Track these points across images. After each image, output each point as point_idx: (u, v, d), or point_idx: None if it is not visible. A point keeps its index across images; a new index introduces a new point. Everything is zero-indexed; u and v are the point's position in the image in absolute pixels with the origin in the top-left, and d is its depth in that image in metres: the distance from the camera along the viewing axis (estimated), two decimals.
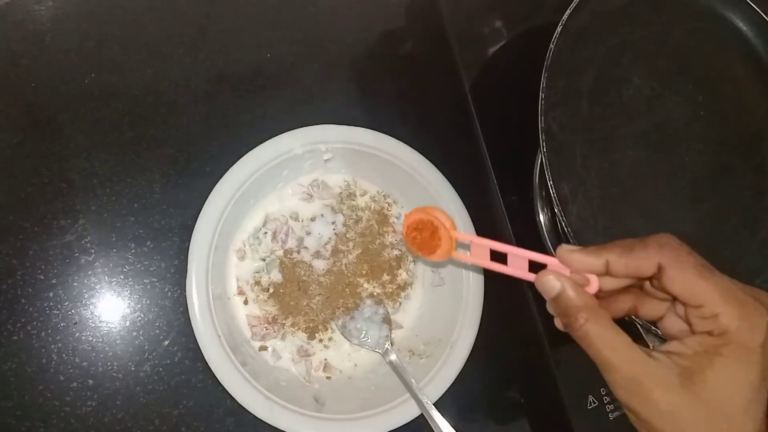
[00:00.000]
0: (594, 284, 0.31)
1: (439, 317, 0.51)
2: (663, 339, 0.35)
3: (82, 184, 0.49)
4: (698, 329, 0.29)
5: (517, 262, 0.34)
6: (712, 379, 0.27)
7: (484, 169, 0.51)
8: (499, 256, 0.35)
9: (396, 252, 0.53)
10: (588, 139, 0.45)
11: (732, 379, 0.27)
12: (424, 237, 0.38)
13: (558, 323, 0.31)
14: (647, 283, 0.32)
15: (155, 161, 0.51)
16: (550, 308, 0.32)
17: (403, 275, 0.53)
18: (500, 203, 0.50)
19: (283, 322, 0.49)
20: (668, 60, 0.49)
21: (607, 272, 0.30)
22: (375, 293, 0.52)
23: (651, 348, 0.32)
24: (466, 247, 0.38)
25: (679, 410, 0.27)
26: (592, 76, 0.46)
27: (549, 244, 0.51)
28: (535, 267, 0.33)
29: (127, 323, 0.48)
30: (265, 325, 0.49)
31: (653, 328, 0.41)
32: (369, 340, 0.50)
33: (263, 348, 0.49)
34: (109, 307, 0.48)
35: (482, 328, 0.50)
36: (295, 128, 0.50)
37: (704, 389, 0.27)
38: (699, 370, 0.27)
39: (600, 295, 0.31)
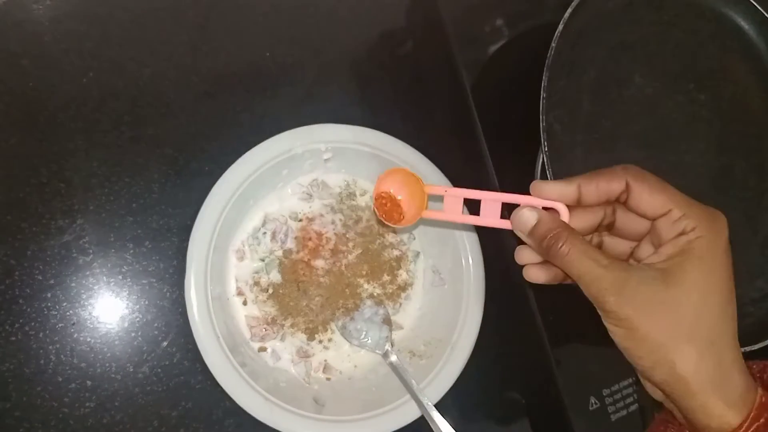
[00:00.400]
0: (564, 215, 0.32)
1: (439, 318, 0.51)
2: None
3: (81, 184, 0.49)
4: (671, 235, 0.30)
5: (491, 209, 0.34)
6: (690, 270, 0.28)
7: (484, 169, 0.50)
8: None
9: (396, 252, 0.53)
10: (589, 138, 0.45)
11: (709, 272, 0.29)
12: (391, 205, 0.37)
13: (530, 272, 0.33)
14: (618, 220, 0.33)
15: (154, 161, 0.51)
16: (522, 253, 0.33)
17: (403, 276, 0.53)
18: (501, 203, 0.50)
19: (283, 322, 0.49)
20: (669, 59, 0.49)
21: (579, 199, 0.31)
22: (375, 294, 0.52)
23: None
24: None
25: (664, 307, 0.28)
26: (593, 76, 0.46)
27: None
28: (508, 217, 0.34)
29: (126, 324, 0.48)
30: (265, 325, 0.49)
31: None
32: (369, 341, 0.50)
33: (262, 349, 0.49)
34: (108, 308, 0.48)
35: (483, 329, 0.50)
36: (295, 128, 0.50)
37: (685, 282, 0.28)
38: (677, 267, 0.29)
39: None
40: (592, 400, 0.48)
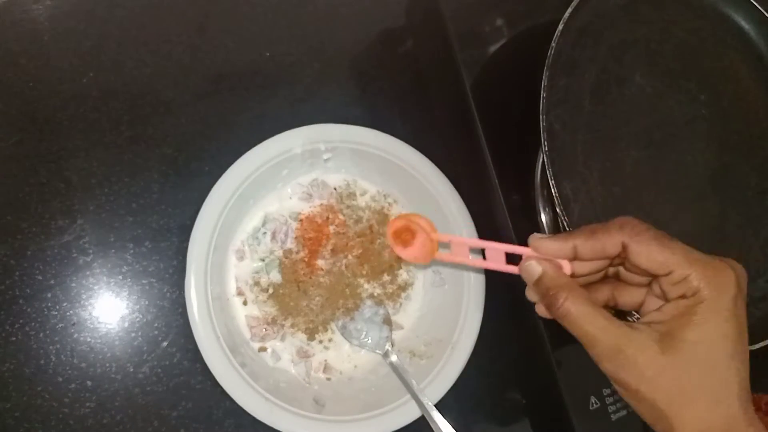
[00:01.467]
0: (567, 268, 0.33)
1: (439, 318, 0.51)
2: None
3: (81, 184, 0.49)
4: (672, 296, 0.30)
5: (495, 255, 0.36)
6: (690, 338, 0.28)
7: (485, 169, 0.50)
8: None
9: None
10: (590, 138, 0.44)
11: (709, 336, 0.28)
12: (405, 241, 0.39)
13: (540, 309, 0.33)
14: (623, 271, 0.33)
15: (154, 161, 0.51)
16: (530, 294, 0.34)
17: (403, 276, 0.53)
18: (502, 203, 0.50)
19: (283, 322, 0.49)
20: (670, 58, 0.48)
21: (575, 257, 0.32)
22: (375, 294, 0.52)
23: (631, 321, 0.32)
24: (448, 247, 0.39)
25: (663, 373, 0.28)
26: (594, 75, 0.45)
27: None
28: (513, 260, 0.35)
29: (126, 324, 0.48)
30: (265, 325, 0.49)
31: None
32: (369, 341, 0.50)
33: (263, 349, 0.49)
34: (108, 308, 0.48)
35: (483, 329, 0.50)
36: (295, 127, 0.50)
37: (684, 349, 0.28)
38: (677, 332, 0.28)
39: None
40: (593, 399, 0.48)
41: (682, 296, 0.29)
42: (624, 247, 0.30)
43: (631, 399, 0.29)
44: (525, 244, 0.34)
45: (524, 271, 0.33)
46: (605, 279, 0.34)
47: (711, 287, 0.28)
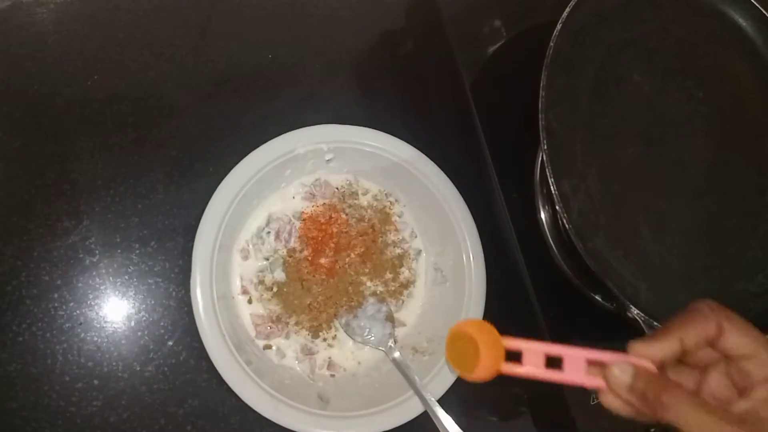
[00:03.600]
0: (651, 366, 0.31)
1: (441, 315, 0.52)
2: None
3: (86, 185, 0.50)
4: (759, 377, 0.29)
5: (574, 364, 0.32)
6: None
7: (485, 167, 0.51)
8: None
9: (398, 250, 0.54)
10: (588, 136, 0.45)
11: None
12: (463, 350, 0.34)
13: (608, 401, 0.31)
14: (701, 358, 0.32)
15: (158, 162, 0.51)
16: (611, 400, 0.31)
17: (405, 273, 0.53)
18: (502, 201, 0.50)
19: (287, 320, 0.50)
20: (668, 57, 0.49)
21: (684, 349, 0.31)
22: (378, 291, 0.52)
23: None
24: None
25: None
26: (592, 74, 0.46)
27: (551, 241, 0.51)
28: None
29: (132, 323, 0.48)
30: (269, 324, 0.49)
31: (655, 323, 0.41)
32: (372, 338, 0.50)
33: (267, 347, 0.49)
34: (114, 308, 0.48)
35: None
36: (297, 128, 0.51)
37: None
38: None
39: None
40: (593, 395, 0.49)
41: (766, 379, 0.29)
42: (719, 328, 0.30)
43: None
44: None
45: (613, 379, 0.31)
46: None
47: None
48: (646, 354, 0.31)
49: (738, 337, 0.30)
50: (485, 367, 0.33)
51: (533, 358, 0.33)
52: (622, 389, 0.31)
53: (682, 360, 0.32)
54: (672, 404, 0.29)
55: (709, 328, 0.30)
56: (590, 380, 0.32)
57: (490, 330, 0.34)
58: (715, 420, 0.28)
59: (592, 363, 0.32)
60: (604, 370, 0.31)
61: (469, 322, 0.35)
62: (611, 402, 0.32)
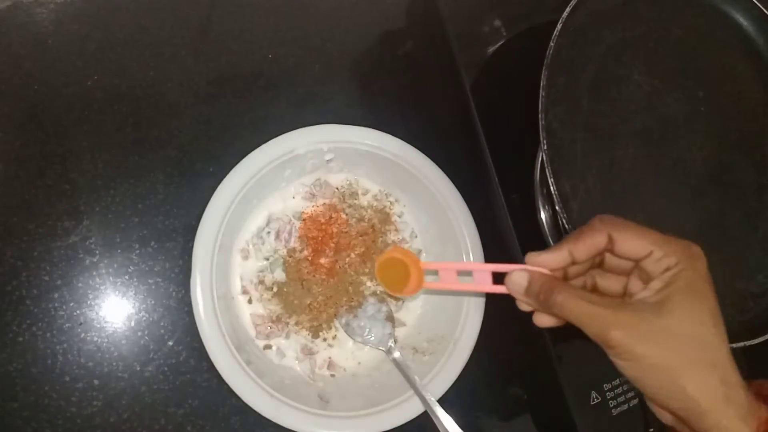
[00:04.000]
0: (546, 272, 0.35)
1: (441, 315, 0.52)
2: None
3: (86, 185, 0.50)
4: (656, 272, 0.32)
5: (482, 277, 0.38)
6: (679, 302, 0.31)
7: (485, 167, 0.51)
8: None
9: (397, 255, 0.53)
10: (588, 136, 0.45)
11: (695, 299, 0.31)
12: (394, 275, 0.41)
13: (538, 319, 0.35)
14: (607, 260, 0.36)
15: (158, 162, 0.51)
16: (522, 305, 0.36)
17: None
18: (502, 201, 0.50)
19: (287, 320, 0.50)
20: (668, 56, 0.49)
21: (573, 261, 0.34)
22: (378, 291, 0.52)
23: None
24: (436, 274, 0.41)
25: (661, 336, 0.30)
26: (592, 74, 0.46)
27: (551, 241, 0.51)
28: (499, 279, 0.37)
29: (132, 323, 0.48)
30: (269, 323, 0.49)
31: None
32: (372, 338, 0.50)
33: (268, 347, 0.49)
34: (114, 308, 0.48)
35: (485, 325, 0.50)
36: (297, 128, 0.51)
37: (675, 311, 0.30)
38: (667, 299, 0.31)
39: (567, 278, 0.36)
40: (594, 394, 0.49)
41: (666, 269, 0.32)
42: (610, 239, 0.33)
43: (637, 370, 0.31)
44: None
45: (511, 284, 0.35)
46: (588, 270, 0.37)
47: (687, 258, 0.32)
48: (536, 262, 0.34)
49: (629, 243, 0.33)
50: (414, 284, 0.41)
51: (448, 275, 0.40)
52: (519, 292, 0.35)
53: (608, 269, 0.36)
54: (559, 299, 0.32)
55: (598, 240, 0.33)
56: (495, 288, 0.37)
57: (414, 256, 0.42)
58: (592, 306, 0.31)
59: (497, 274, 0.37)
60: (507, 278, 0.36)
61: (398, 250, 0.42)
62: (520, 305, 0.36)
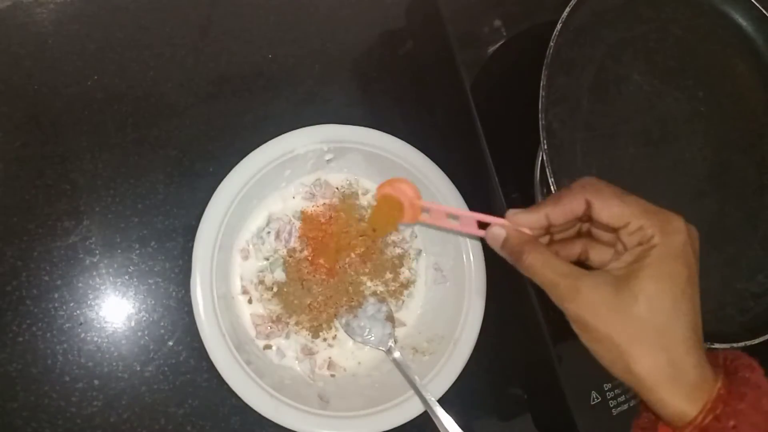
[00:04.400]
0: (527, 231, 0.36)
1: (441, 314, 0.52)
2: None
3: (86, 185, 0.50)
4: (630, 245, 0.32)
5: (468, 222, 0.39)
6: (640, 279, 0.30)
7: (485, 167, 0.51)
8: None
9: (399, 250, 0.54)
10: (588, 136, 0.45)
11: (658, 277, 0.30)
12: (391, 208, 0.42)
13: (518, 264, 0.35)
14: (594, 229, 0.36)
15: (158, 162, 0.51)
16: (501, 253, 0.37)
17: (405, 273, 0.53)
18: (502, 201, 0.50)
19: (287, 320, 0.50)
20: (668, 57, 0.49)
21: (549, 223, 0.34)
22: (378, 291, 0.52)
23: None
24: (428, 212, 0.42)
25: (616, 312, 0.30)
26: (592, 74, 0.46)
27: None
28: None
29: (132, 323, 0.48)
30: (270, 323, 0.49)
31: None
32: (372, 338, 0.50)
33: (268, 347, 0.49)
34: (114, 308, 0.48)
35: (485, 325, 0.50)
36: (297, 128, 0.51)
37: (634, 290, 0.30)
38: (630, 275, 0.31)
39: (554, 240, 0.37)
40: (594, 394, 0.49)
41: (639, 243, 0.31)
42: (588, 205, 0.33)
43: (590, 341, 0.31)
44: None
45: (490, 236, 0.36)
46: (579, 236, 0.37)
47: (662, 233, 0.31)
48: (514, 221, 0.35)
49: (606, 211, 0.32)
50: (409, 216, 0.42)
51: (438, 215, 0.42)
52: (497, 246, 0.36)
53: (596, 239, 0.36)
54: (527, 262, 0.33)
55: (576, 205, 0.33)
56: (478, 232, 0.39)
57: (412, 190, 0.42)
58: (554, 275, 0.32)
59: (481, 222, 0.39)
60: (487, 229, 0.37)
61: (392, 185, 0.42)
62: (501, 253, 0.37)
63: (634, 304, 0.30)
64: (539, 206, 0.34)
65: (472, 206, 0.53)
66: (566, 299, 0.31)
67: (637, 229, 0.31)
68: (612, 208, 0.32)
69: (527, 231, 0.35)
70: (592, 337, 0.31)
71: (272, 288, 0.50)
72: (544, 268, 0.33)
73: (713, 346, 0.42)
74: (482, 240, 0.52)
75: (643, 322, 0.30)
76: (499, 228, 0.36)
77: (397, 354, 0.49)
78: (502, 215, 0.36)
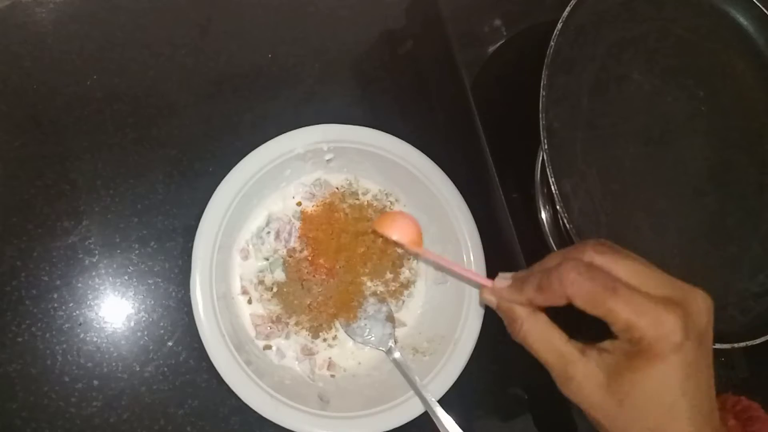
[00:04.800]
0: None
1: (442, 315, 0.52)
2: None
3: (86, 185, 0.50)
4: (621, 337, 0.30)
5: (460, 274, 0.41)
6: (633, 382, 0.29)
7: (485, 167, 0.51)
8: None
9: (398, 250, 0.53)
10: (589, 135, 0.45)
11: (651, 384, 0.29)
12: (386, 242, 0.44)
13: (511, 331, 0.36)
14: None
15: (158, 162, 0.51)
16: (498, 312, 0.37)
17: (405, 273, 0.53)
18: (502, 201, 0.50)
19: (287, 321, 0.50)
20: (669, 56, 0.49)
21: (531, 305, 0.34)
22: (378, 291, 0.52)
23: (589, 344, 0.33)
24: None
25: (607, 405, 0.30)
26: (593, 73, 0.46)
27: (551, 241, 0.51)
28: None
29: (132, 324, 0.48)
30: (269, 324, 0.49)
31: None
32: (372, 338, 0.50)
33: (267, 347, 0.49)
34: (114, 308, 0.48)
35: (485, 325, 0.50)
36: (297, 128, 0.51)
37: (627, 392, 0.29)
38: (621, 372, 0.30)
39: None
40: None
41: (629, 341, 0.30)
42: (568, 299, 0.31)
43: (589, 420, 0.32)
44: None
45: (484, 300, 0.37)
46: None
47: (654, 337, 0.29)
48: (497, 291, 0.36)
49: (591, 309, 0.30)
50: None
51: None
52: (492, 305, 0.37)
53: None
54: (522, 333, 0.33)
55: (556, 300, 0.32)
56: (481, 280, 0.39)
57: (416, 228, 0.44)
58: (550, 354, 0.32)
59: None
60: (480, 292, 0.38)
61: (394, 227, 0.44)
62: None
63: (626, 407, 0.30)
64: (524, 286, 0.34)
65: (473, 206, 0.53)
66: (559, 383, 0.32)
67: (625, 328, 0.29)
68: (597, 308, 0.30)
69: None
70: (589, 418, 0.31)
71: (272, 288, 0.50)
72: (538, 344, 0.33)
73: (713, 347, 0.42)
74: (482, 240, 0.52)
75: (634, 422, 0.30)
76: (488, 294, 0.36)
77: (397, 354, 0.49)
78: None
